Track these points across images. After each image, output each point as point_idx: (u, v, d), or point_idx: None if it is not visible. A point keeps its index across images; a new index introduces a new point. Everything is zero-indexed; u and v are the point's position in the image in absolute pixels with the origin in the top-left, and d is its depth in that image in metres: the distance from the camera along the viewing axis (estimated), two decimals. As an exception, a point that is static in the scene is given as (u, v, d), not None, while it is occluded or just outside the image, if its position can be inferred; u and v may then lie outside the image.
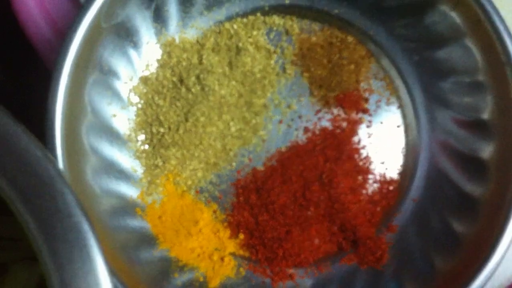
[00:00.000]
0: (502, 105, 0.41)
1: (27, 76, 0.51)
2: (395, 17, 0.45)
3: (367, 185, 0.46)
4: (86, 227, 0.32)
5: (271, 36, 0.47)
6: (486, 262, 0.39)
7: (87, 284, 0.31)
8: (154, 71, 0.46)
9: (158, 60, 0.46)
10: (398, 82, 0.47)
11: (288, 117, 0.47)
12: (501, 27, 0.40)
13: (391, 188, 0.46)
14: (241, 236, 0.45)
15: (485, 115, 0.42)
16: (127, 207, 0.43)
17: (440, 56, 0.44)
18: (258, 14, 0.47)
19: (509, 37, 0.40)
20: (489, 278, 0.39)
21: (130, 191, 0.44)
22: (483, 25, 0.41)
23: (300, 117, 0.47)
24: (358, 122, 0.47)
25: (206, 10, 0.46)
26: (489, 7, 0.40)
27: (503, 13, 0.41)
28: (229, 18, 0.47)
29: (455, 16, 0.42)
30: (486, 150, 0.42)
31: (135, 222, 0.43)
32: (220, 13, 0.46)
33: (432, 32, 0.44)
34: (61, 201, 0.32)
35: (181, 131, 0.44)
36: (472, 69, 0.42)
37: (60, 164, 0.38)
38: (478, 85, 0.42)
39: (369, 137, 0.47)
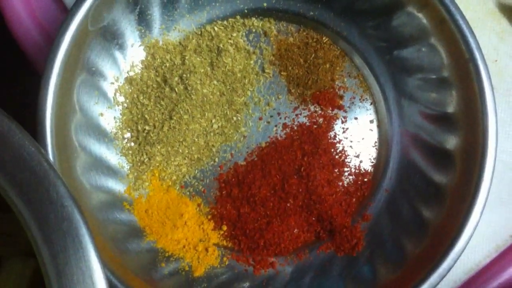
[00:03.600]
0: (466, 100, 0.43)
1: (16, 77, 0.53)
2: (366, 18, 0.48)
3: (343, 177, 0.49)
4: (78, 217, 0.34)
5: (250, 38, 0.49)
6: (453, 246, 0.41)
7: (80, 270, 0.33)
8: (139, 71, 0.48)
9: (142, 61, 0.48)
10: (371, 80, 0.50)
11: (268, 115, 0.49)
12: (464, 26, 0.43)
13: (365, 179, 0.49)
14: (224, 227, 0.47)
15: (451, 109, 0.45)
16: (115, 202, 0.45)
17: (408, 54, 0.47)
18: (238, 17, 0.49)
19: (471, 36, 0.43)
20: (455, 261, 0.41)
21: (118, 186, 0.46)
22: (447, 25, 0.43)
23: (278, 114, 0.49)
24: (334, 118, 0.50)
25: (188, 13, 0.48)
26: (453, 8, 0.43)
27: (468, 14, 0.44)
28: (210, 21, 0.49)
29: (421, 17, 0.44)
30: (452, 142, 0.44)
31: (123, 216, 0.45)
32: (202, 16, 0.49)
33: (400, 32, 0.47)
34: (54, 192, 0.34)
35: (165, 128, 0.46)
36: (438, 66, 0.45)
37: (51, 157, 0.40)
38: (443, 81, 0.45)
39: (344, 132, 0.49)
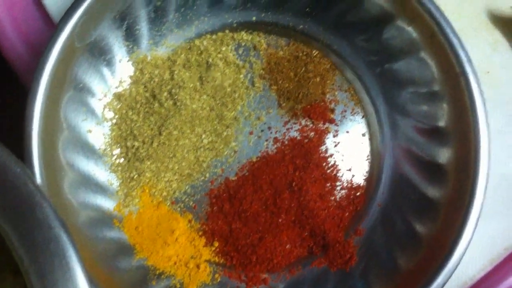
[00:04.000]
0: (457, 113, 0.43)
1: (2, 93, 0.53)
2: (356, 31, 0.48)
3: (335, 192, 0.48)
4: (65, 238, 0.33)
5: (240, 52, 0.49)
6: (447, 261, 0.41)
7: (67, 292, 0.33)
8: (128, 87, 0.47)
9: (131, 77, 0.47)
10: (362, 93, 0.49)
11: (258, 129, 0.49)
12: (454, 40, 0.43)
13: (358, 194, 0.48)
14: (216, 243, 0.47)
15: (442, 123, 0.45)
16: (105, 219, 0.45)
17: (399, 68, 0.47)
18: (227, 31, 0.49)
19: (462, 49, 0.43)
20: (449, 275, 0.41)
21: (107, 204, 0.45)
22: (437, 39, 0.43)
23: (269, 128, 0.49)
24: (325, 131, 0.49)
25: (177, 28, 0.48)
26: (443, 22, 0.43)
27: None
28: (199, 35, 0.49)
29: (411, 30, 0.44)
30: (445, 156, 0.44)
31: (112, 233, 0.45)
32: (190, 31, 0.48)
33: (390, 45, 0.46)
34: (41, 214, 0.34)
35: (155, 144, 0.46)
36: (429, 79, 0.45)
37: (38, 179, 0.40)
38: (434, 95, 0.45)
39: (335, 145, 0.49)
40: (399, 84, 0.47)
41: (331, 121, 0.49)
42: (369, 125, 0.50)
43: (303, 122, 0.49)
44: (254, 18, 0.49)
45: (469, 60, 0.42)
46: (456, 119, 0.44)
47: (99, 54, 0.45)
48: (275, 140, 0.49)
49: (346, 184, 0.48)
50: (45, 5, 0.49)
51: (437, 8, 0.43)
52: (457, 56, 0.43)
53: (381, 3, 0.44)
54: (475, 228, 0.42)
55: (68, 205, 0.42)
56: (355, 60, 0.49)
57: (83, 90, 0.45)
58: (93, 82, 0.45)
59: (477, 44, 0.51)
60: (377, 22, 0.46)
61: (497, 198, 0.49)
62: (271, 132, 0.49)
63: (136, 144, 0.46)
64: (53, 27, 0.48)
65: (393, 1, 0.44)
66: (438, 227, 0.43)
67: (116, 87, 0.47)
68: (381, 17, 0.45)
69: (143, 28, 0.47)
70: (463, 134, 0.43)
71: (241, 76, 0.49)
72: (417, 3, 0.43)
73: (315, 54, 0.49)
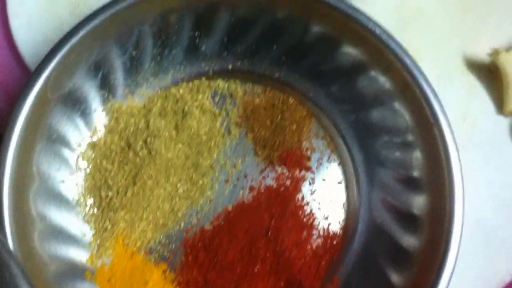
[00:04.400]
0: (431, 164, 0.43)
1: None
2: (331, 80, 0.48)
3: (311, 240, 0.48)
4: (31, 299, 0.33)
5: (216, 99, 0.49)
6: (422, 314, 0.41)
7: None
8: (102, 136, 0.47)
9: (105, 126, 0.47)
10: (338, 140, 0.49)
11: (234, 177, 0.48)
12: (428, 90, 0.43)
13: (334, 242, 0.48)
14: (191, 294, 0.46)
15: (416, 173, 0.45)
16: (77, 271, 0.44)
17: (373, 117, 0.47)
18: (203, 79, 0.49)
19: (436, 100, 0.43)
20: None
21: (80, 256, 0.45)
22: (411, 89, 0.43)
23: (245, 176, 0.48)
24: (301, 179, 0.49)
25: (152, 76, 0.48)
26: (416, 72, 0.43)
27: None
28: (175, 83, 0.49)
29: (385, 80, 0.45)
30: (419, 206, 0.44)
31: (85, 286, 0.44)
32: (166, 79, 0.48)
33: (364, 94, 0.47)
34: (8, 273, 0.33)
35: (129, 194, 0.46)
36: (403, 129, 0.45)
37: (8, 232, 0.39)
38: (408, 145, 0.45)
39: (312, 194, 0.49)
40: (373, 133, 0.47)
41: (307, 169, 0.49)
42: (345, 172, 0.49)
43: (279, 170, 0.49)
44: (230, 66, 0.49)
45: (443, 111, 0.42)
46: (430, 169, 0.44)
47: (74, 104, 0.45)
48: (251, 188, 0.48)
49: (322, 233, 0.48)
50: (22, 54, 0.49)
51: (411, 58, 0.43)
52: (431, 107, 0.43)
53: (354, 53, 0.45)
54: (450, 277, 0.41)
55: (38, 258, 0.41)
56: (331, 108, 0.49)
57: (56, 141, 0.44)
58: (67, 133, 0.45)
59: (453, 90, 0.51)
60: (351, 71, 0.46)
61: (472, 245, 0.49)
62: (247, 180, 0.48)
63: (110, 194, 0.46)
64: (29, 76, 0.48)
65: (366, 51, 0.44)
66: (413, 277, 0.43)
67: (91, 137, 0.47)
68: (354, 67, 0.45)
69: (119, 77, 0.47)
70: (437, 184, 0.43)
71: (217, 124, 0.49)
72: (390, 54, 0.43)
73: (291, 102, 0.49)
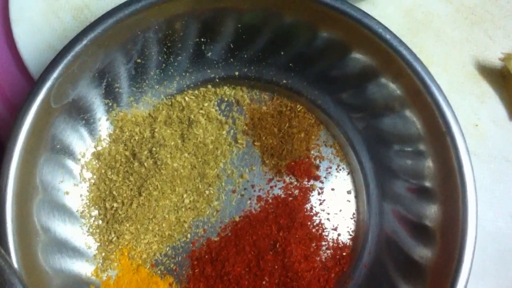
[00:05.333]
0: (444, 174, 0.42)
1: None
2: (340, 87, 0.47)
3: (320, 252, 0.47)
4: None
5: (223, 107, 0.48)
6: (435, 329, 0.39)
7: None
8: (107, 146, 0.46)
9: (110, 135, 0.46)
10: (347, 149, 0.48)
11: (241, 187, 0.47)
12: (440, 98, 0.42)
13: (344, 254, 0.47)
14: (198, 307, 0.45)
15: (429, 183, 0.43)
16: (81, 285, 0.43)
17: (384, 125, 0.46)
18: (209, 86, 0.48)
19: (448, 108, 0.41)
20: None
21: (84, 269, 0.44)
22: (423, 97, 0.42)
23: (252, 186, 0.47)
24: (310, 189, 0.48)
25: (157, 84, 0.47)
26: (428, 79, 0.42)
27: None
28: (181, 91, 0.48)
29: (395, 87, 0.43)
30: (432, 217, 0.43)
31: (89, 300, 0.43)
32: (171, 87, 0.47)
33: (375, 102, 0.45)
34: (10, 291, 0.33)
35: (134, 205, 0.45)
36: (415, 138, 0.44)
37: (11, 246, 0.38)
38: (420, 154, 0.43)
39: (321, 203, 0.48)
40: (384, 141, 0.46)
41: (316, 178, 0.48)
42: (355, 182, 0.48)
43: (287, 180, 0.48)
44: (236, 73, 0.48)
45: (455, 119, 0.41)
46: (442, 179, 0.42)
47: (77, 113, 0.44)
48: (259, 198, 0.47)
49: (331, 244, 0.47)
50: (25, 62, 0.48)
51: (422, 65, 0.42)
52: (442, 115, 0.41)
53: (364, 60, 0.43)
54: (464, 291, 0.40)
55: (42, 272, 0.40)
56: (340, 116, 0.48)
57: (60, 151, 0.43)
58: (71, 143, 0.44)
59: (464, 96, 0.50)
60: (361, 78, 0.45)
61: (486, 258, 0.48)
62: (254, 190, 0.47)
63: (115, 205, 0.45)
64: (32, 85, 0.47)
65: (377, 58, 0.43)
66: (426, 291, 0.42)
67: (95, 147, 0.46)
68: (364, 73, 0.44)
69: (123, 85, 0.46)
70: (450, 195, 0.41)
71: (224, 132, 0.48)
72: (401, 60, 0.42)
73: (299, 109, 0.48)
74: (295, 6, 0.41)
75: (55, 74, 0.40)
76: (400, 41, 0.42)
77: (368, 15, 0.41)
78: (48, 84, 0.40)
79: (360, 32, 0.41)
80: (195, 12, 0.42)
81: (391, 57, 0.42)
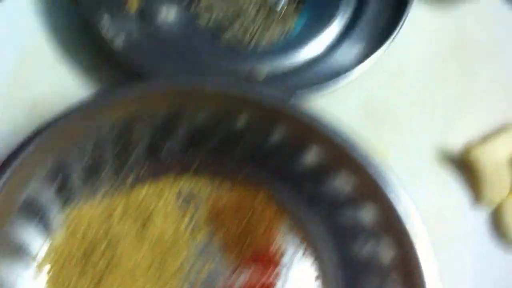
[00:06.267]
0: (407, 266, 0.41)
1: None
2: (299, 180, 0.46)
3: None
4: None
5: (181, 199, 0.47)
6: None
7: None
8: (61, 243, 0.45)
9: (65, 232, 0.45)
10: (311, 237, 0.47)
11: (203, 279, 0.46)
12: (396, 191, 0.41)
13: None
14: None
15: (393, 274, 0.42)
16: None
17: (345, 216, 0.45)
18: (167, 179, 0.47)
19: (406, 198, 0.41)
20: None
21: None
22: (379, 190, 0.42)
23: (214, 280, 0.46)
24: (275, 277, 0.47)
25: (113, 179, 0.46)
26: (383, 173, 0.42)
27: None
28: (137, 185, 0.47)
29: (353, 181, 0.43)
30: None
31: None
32: (127, 181, 0.47)
33: (335, 193, 0.45)
34: None
35: (92, 303, 0.43)
36: (376, 229, 0.43)
37: None
38: (383, 244, 0.43)
39: (286, 292, 0.46)
40: (347, 231, 0.45)
41: (281, 266, 0.47)
42: (321, 268, 0.47)
43: (251, 269, 0.47)
44: (195, 166, 0.47)
45: (415, 209, 0.41)
46: (407, 273, 0.41)
47: (30, 212, 0.43)
48: (221, 291, 0.46)
49: (298, 337, 0.46)
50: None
51: (376, 159, 0.41)
52: (403, 205, 0.41)
53: (320, 156, 0.43)
54: None
55: None
56: (301, 206, 0.47)
57: (15, 249, 0.42)
58: (26, 240, 0.43)
59: (425, 184, 0.49)
60: (320, 171, 0.44)
61: None
62: (218, 282, 0.46)
63: (72, 304, 0.44)
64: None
65: (331, 154, 0.43)
66: None
67: (51, 244, 0.45)
68: (323, 166, 0.44)
69: (78, 181, 0.45)
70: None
71: (183, 225, 0.47)
72: (356, 156, 0.42)
73: (260, 199, 0.47)
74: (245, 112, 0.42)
75: (3, 180, 0.39)
76: (354, 139, 0.41)
77: (321, 116, 0.41)
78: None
79: (314, 130, 0.41)
80: (149, 115, 0.42)
81: (346, 153, 0.42)
